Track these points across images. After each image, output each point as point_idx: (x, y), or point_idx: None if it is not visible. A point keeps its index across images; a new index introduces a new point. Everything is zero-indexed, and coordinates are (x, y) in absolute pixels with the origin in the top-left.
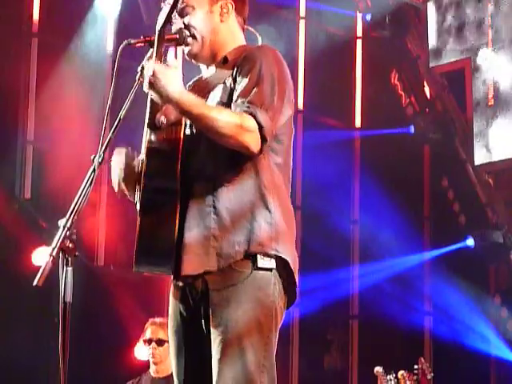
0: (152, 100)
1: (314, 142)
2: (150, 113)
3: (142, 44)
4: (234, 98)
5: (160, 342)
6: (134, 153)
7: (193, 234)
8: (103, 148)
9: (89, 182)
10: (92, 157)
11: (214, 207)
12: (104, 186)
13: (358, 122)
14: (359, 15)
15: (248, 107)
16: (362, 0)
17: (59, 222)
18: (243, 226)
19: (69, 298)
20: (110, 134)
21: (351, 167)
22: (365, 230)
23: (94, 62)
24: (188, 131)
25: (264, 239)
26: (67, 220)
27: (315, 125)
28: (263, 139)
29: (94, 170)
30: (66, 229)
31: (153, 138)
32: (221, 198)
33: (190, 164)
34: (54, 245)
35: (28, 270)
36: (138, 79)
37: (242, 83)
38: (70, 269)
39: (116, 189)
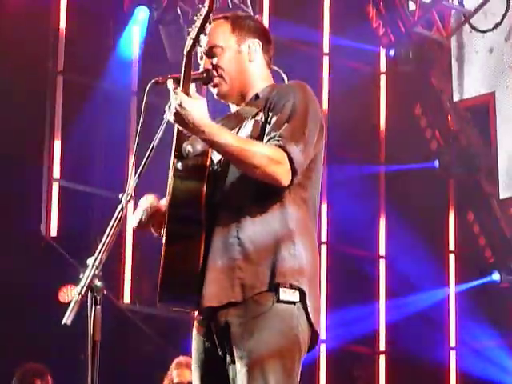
0: (178, 130)
1: (339, 178)
2: (177, 143)
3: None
4: (266, 131)
5: None
6: (161, 199)
7: (217, 264)
8: (131, 186)
9: (117, 220)
10: (120, 195)
11: (239, 238)
12: (130, 221)
13: (382, 157)
14: (382, 50)
15: (279, 140)
16: (385, 35)
17: (88, 261)
18: (267, 257)
19: (97, 337)
20: (137, 174)
21: (376, 202)
22: (390, 265)
23: (119, 101)
24: (216, 161)
25: (287, 271)
26: (96, 258)
27: (340, 160)
28: (294, 172)
29: (122, 208)
30: (94, 267)
31: (179, 167)
32: (245, 229)
33: (216, 194)
34: (82, 283)
35: (54, 308)
36: (166, 117)
37: (274, 117)
38: (98, 307)
39: (135, 228)
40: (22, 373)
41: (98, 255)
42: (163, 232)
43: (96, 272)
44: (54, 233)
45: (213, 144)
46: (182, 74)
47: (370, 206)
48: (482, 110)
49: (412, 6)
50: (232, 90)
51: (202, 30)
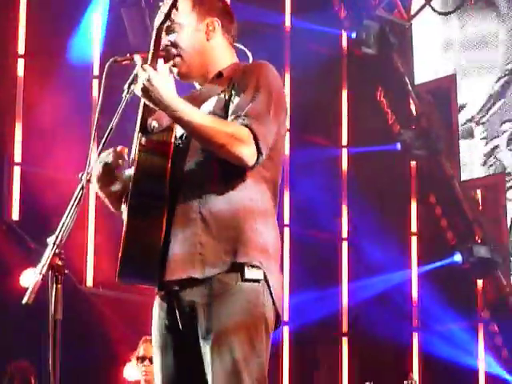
0: (144, 105)
1: (301, 161)
2: (142, 117)
3: (129, 61)
4: (230, 110)
5: (153, 360)
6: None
7: (178, 239)
8: (90, 166)
9: (77, 200)
10: (80, 174)
11: (201, 213)
12: (91, 204)
13: (344, 140)
14: (344, 33)
15: (244, 119)
16: (347, 18)
17: (48, 240)
18: (229, 235)
19: (59, 316)
20: (96, 153)
21: (338, 185)
22: (353, 248)
23: (80, 85)
24: (179, 136)
25: (250, 250)
26: (56, 237)
27: (302, 143)
28: (259, 152)
29: (83, 187)
30: (55, 246)
31: (143, 142)
32: (208, 205)
33: (180, 170)
34: (43, 262)
35: (15, 291)
36: (125, 96)
37: (239, 97)
38: (59, 286)
39: (95, 184)
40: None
41: (59, 234)
42: (124, 207)
43: (57, 251)
44: (15, 216)
45: (179, 120)
46: (152, 49)
47: (333, 189)
48: (444, 93)
49: None
50: (191, 69)
51: (174, 4)
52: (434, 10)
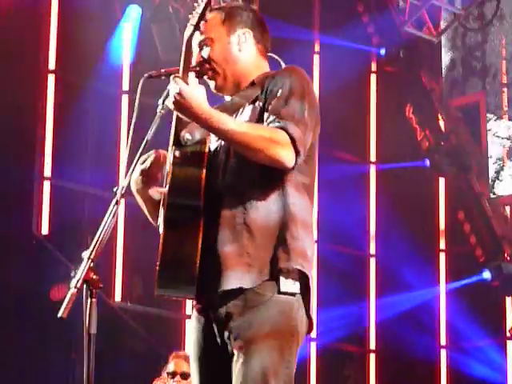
0: (177, 118)
1: (329, 177)
2: (175, 131)
3: (164, 77)
4: (265, 116)
5: (184, 376)
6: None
7: (225, 251)
8: (126, 180)
9: (112, 214)
10: (115, 189)
11: (246, 224)
12: (120, 218)
13: (372, 156)
14: (373, 50)
15: (279, 121)
16: (375, 35)
17: (83, 254)
18: (272, 242)
19: (93, 330)
20: (131, 167)
21: (366, 201)
22: (381, 264)
23: (110, 100)
24: (215, 149)
25: (292, 257)
26: (91, 252)
27: (330, 159)
28: (297, 153)
29: (117, 202)
30: (89, 260)
31: (177, 154)
32: (251, 215)
33: (218, 181)
34: (78, 276)
35: (46, 306)
36: (159, 111)
37: (273, 101)
38: (94, 300)
39: (133, 187)
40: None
41: (93, 248)
42: (160, 221)
43: (91, 265)
44: (45, 231)
45: (213, 130)
46: (182, 61)
47: (361, 205)
48: (473, 109)
49: (402, 6)
50: (226, 81)
51: (202, 16)
52: (464, 26)
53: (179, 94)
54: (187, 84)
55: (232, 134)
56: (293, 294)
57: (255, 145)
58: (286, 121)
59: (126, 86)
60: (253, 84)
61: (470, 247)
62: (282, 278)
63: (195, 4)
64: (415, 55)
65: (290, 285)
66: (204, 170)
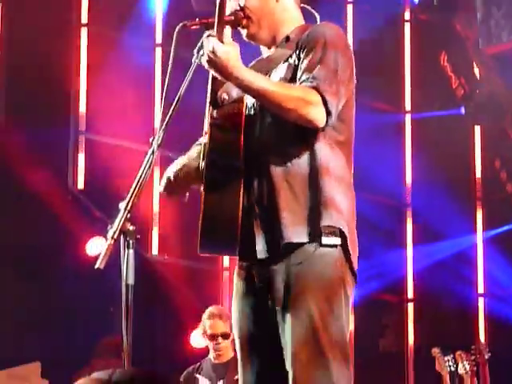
0: (213, 77)
1: (364, 126)
2: (212, 91)
3: (198, 26)
4: (299, 74)
5: (225, 336)
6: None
7: (268, 209)
8: (161, 130)
9: (148, 165)
10: (151, 139)
11: (287, 181)
12: (156, 172)
13: (407, 105)
14: None
15: (312, 81)
16: None
17: (119, 205)
18: (314, 201)
19: (131, 281)
20: (167, 117)
21: (401, 150)
22: (417, 213)
23: (144, 53)
24: (252, 106)
25: (332, 213)
26: (127, 202)
27: (365, 109)
28: (328, 113)
29: (153, 152)
30: (126, 211)
31: (215, 114)
32: (292, 172)
33: (256, 140)
34: (115, 227)
35: (82, 260)
36: (194, 61)
37: (306, 60)
38: (131, 251)
39: (161, 185)
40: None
41: (130, 199)
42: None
43: (128, 216)
44: (81, 185)
45: (246, 89)
46: (216, 18)
47: (396, 154)
48: (509, 57)
49: None
50: (260, 30)
51: None
52: None
53: (213, 52)
54: (221, 42)
55: (265, 93)
56: (334, 246)
57: (287, 104)
58: (318, 80)
59: (159, 39)
60: (287, 39)
61: (506, 195)
62: (323, 233)
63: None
64: (449, 3)
65: (331, 238)
66: (242, 131)
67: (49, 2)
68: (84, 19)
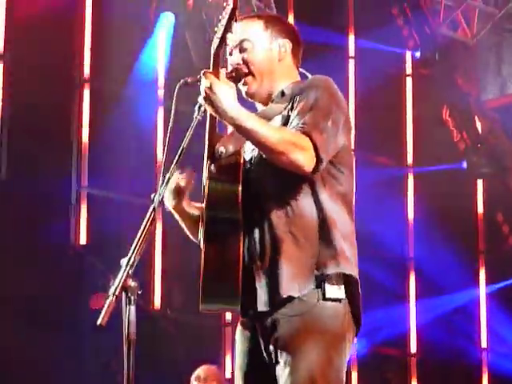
0: (210, 131)
1: (367, 181)
2: (209, 145)
3: (199, 83)
4: (290, 120)
5: None
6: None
7: (270, 261)
8: (163, 186)
9: (149, 221)
10: (152, 196)
11: (291, 232)
12: (158, 226)
13: (409, 159)
14: (408, 53)
15: (303, 127)
16: (410, 37)
17: (121, 261)
18: (316, 250)
19: (133, 337)
20: (168, 174)
21: (404, 204)
22: (420, 267)
23: (146, 109)
24: (249, 159)
25: (337, 262)
26: (129, 259)
27: (367, 163)
28: (318, 159)
29: (155, 208)
30: (128, 267)
31: (212, 169)
32: (295, 222)
33: (255, 192)
34: (116, 283)
35: (86, 315)
36: (195, 117)
37: (299, 106)
38: (132, 307)
39: (167, 203)
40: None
41: (131, 255)
42: (201, 237)
43: (130, 272)
44: (83, 241)
45: (240, 129)
46: (211, 67)
47: (398, 208)
48: (510, 110)
49: (437, 8)
50: (261, 88)
51: (228, 27)
52: (499, 27)
53: (210, 88)
54: (218, 79)
55: (257, 134)
56: (338, 300)
57: (278, 147)
58: (310, 126)
59: (161, 94)
60: (283, 94)
61: (509, 248)
62: (326, 285)
63: (219, 16)
64: (450, 57)
65: (335, 290)
66: (240, 183)
67: (51, 57)
68: (86, 75)
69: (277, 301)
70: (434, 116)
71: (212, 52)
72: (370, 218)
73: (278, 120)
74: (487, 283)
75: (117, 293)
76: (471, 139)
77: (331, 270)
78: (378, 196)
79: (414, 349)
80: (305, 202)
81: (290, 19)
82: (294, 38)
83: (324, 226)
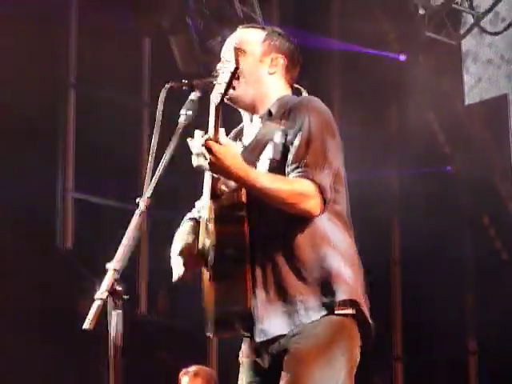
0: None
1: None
2: (211, 184)
3: (184, 87)
4: (288, 160)
5: None
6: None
7: (274, 293)
8: (149, 191)
9: (135, 225)
10: (137, 200)
11: (291, 262)
12: (145, 231)
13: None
14: (393, 55)
15: (306, 171)
16: (395, 40)
17: (107, 265)
18: (318, 277)
19: (119, 342)
20: (154, 178)
21: (390, 209)
22: (406, 272)
23: (131, 113)
24: (250, 196)
25: (340, 286)
26: (115, 263)
27: (351, 166)
28: (325, 201)
29: (140, 213)
30: (114, 272)
31: (216, 208)
32: (295, 253)
33: (256, 226)
34: (102, 288)
35: (71, 319)
36: (181, 121)
37: (294, 145)
38: (119, 312)
39: (175, 264)
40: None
41: (117, 260)
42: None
43: (116, 276)
44: (69, 245)
45: (248, 187)
46: (212, 124)
47: (384, 212)
48: (496, 113)
49: (422, 10)
50: (244, 95)
51: (230, 85)
52: (484, 31)
53: (214, 155)
54: (218, 142)
55: (266, 192)
56: (345, 315)
57: (288, 200)
58: (311, 168)
59: (146, 98)
60: (270, 114)
61: (495, 251)
62: (335, 305)
63: (219, 70)
64: (435, 59)
65: (342, 309)
66: (245, 222)
67: (38, 58)
68: (72, 79)
69: (284, 328)
70: (419, 119)
71: (212, 108)
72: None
73: (270, 148)
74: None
75: (103, 297)
76: (457, 142)
77: (338, 297)
78: (364, 199)
79: (399, 351)
80: (304, 229)
81: (275, 23)
82: (290, 56)
83: (322, 251)
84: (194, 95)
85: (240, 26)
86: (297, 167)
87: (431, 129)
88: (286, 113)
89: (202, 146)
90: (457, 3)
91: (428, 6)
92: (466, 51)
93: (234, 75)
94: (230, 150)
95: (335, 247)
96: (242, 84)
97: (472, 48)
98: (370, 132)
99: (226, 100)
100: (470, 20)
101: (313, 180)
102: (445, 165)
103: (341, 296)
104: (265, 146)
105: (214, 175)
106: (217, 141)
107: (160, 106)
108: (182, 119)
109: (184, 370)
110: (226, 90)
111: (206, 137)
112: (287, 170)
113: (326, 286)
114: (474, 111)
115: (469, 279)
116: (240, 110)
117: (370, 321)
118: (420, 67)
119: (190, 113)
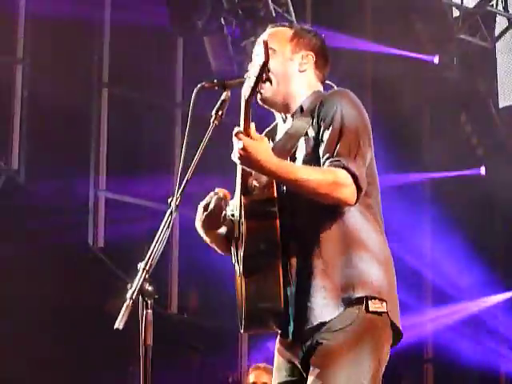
0: (243, 169)
1: (387, 185)
2: (242, 179)
3: (216, 87)
4: (321, 152)
5: None
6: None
7: (303, 289)
8: (180, 190)
9: (166, 225)
10: (169, 200)
11: (322, 258)
12: (176, 230)
13: (428, 164)
14: (427, 57)
15: (338, 160)
16: (429, 42)
17: (138, 265)
18: (347, 273)
19: (149, 341)
20: (186, 177)
21: (423, 209)
22: (438, 273)
23: (164, 113)
24: (282, 191)
25: (368, 283)
26: (146, 263)
27: (385, 168)
28: (359, 189)
29: (172, 212)
30: (145, 271)
31: (247, 204)
32: (326, 249)
33: (289, 221)
34: (133, 287)
35: (103, 318)
36: (213, 122)
37: (326, 135)
38: (149, 311)
39: (198, 226)
40: None
41: (148, 259)
42: (234, 260)
43: (146, 276)
44: (101, 244)
45: (281, 180)
46: (242, 119)
47: (417, 212)
48: None
49: (456, 12)
50: (276, 95)
51: (259, 78)
52: None
53: (244, 149)
54: (249, 137)
55: (299, 183)
56: (379, 314)
57: (321, 190)
58: (345, 158)
59: (179, 98)
60: (301, 109)
61: None
62: (369, 300)
63: (249, 64)
64: (469, 62)
65: (377, 305)
66: (277, 218)
67: (71, 61)
68: (105, 79)
69: (313, 326)
70: (452, 121)
71: (243, 101)
72: (389, 223)
73: (303, 143)
74: (506, 290)
75: (133, 297)
76: (490, 145)
77: (365, 292)
78: (398, 200)
79: (430, 354)
80: (337, 229)
81: (308, 23)
82: (319, 52)
83: (352, 246)
84: (225, 95)
85: (269, 26)
86: (330, 157)
87: (465, 131)
88: (317, 106)
89: (233, 139)
90: (491, 5)
91: (462, 8)
92: (500, 53)
93: (264, 68)
94: (261, 144)
95: (365, 245)
96: (274, 84)
97: (506, 50)
98: (403, 132)
99: (259, 101)
100: (505, 22)
101: (347, 169)
102: (478, 167)
103: (360, 293)
104: (297, 141)
105: (246, 170)
106: (248, 134)
107: (192, 106)
108: (212, 119)
109: (254, 365)
110: (256, 84)
111: (237, 130)
112: (321, 161)
113: (349, 283)
114: (508, 113)
115: None
116: (273, 110)
117: (395, 320)
118: (453, 69)
119: (221, 113)
